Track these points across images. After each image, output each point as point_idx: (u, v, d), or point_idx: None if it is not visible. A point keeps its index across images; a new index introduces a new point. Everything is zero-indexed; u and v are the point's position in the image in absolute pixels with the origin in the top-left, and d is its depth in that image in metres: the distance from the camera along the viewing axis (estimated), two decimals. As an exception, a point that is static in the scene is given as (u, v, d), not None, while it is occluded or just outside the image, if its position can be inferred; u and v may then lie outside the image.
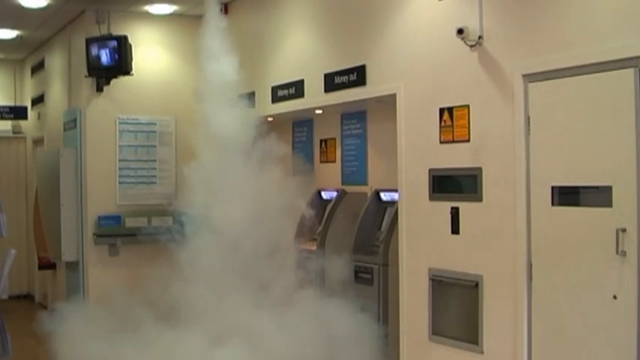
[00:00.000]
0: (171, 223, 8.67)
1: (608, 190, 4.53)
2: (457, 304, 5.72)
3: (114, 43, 8.88)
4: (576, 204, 4.85)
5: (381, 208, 7.24)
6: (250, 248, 7.13)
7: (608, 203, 4.53)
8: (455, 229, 5.72)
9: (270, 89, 8.16)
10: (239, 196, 7.21)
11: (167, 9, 9.25)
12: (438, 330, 5.91)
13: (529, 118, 5.08)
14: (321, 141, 8.46)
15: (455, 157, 5.73)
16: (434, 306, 5.95)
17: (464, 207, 5.66)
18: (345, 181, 8.15)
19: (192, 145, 7.50)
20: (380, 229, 7.15)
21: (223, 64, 7.47)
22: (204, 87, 7.53)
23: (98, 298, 8.59)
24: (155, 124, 9.39)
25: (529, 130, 5.08)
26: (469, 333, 5.58)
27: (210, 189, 7.34)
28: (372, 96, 6.72)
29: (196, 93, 7.65)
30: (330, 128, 8.29)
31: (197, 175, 7.34)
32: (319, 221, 7.82)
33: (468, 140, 5.60)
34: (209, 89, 7.50)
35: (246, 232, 7.11)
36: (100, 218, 9.11)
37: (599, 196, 4.62)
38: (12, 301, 10.10)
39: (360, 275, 6.93)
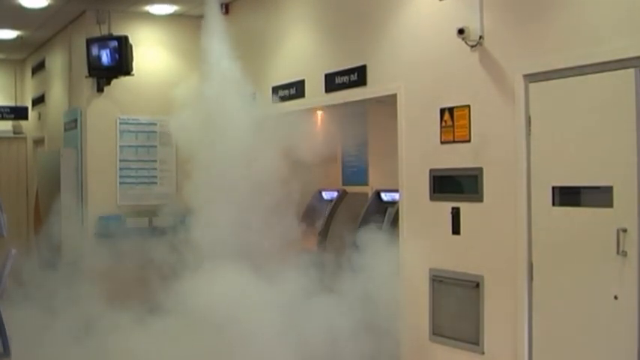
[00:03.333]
0: (172, 223, 8.67)
1: (608, 190, 4.53)
2: (458, 304, 5.71)
3: (114, 44, 8.89)
4: (577, 204, 4.85)
5: (382, 208, 7.23)
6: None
7: (609, 203, 4.53)
8: (456, 230, 5.72)
9: (270, 89, 8.16)
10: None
11: (167, 9, 9.25)
12: (439, 330, 5.91)
13: (530, 119, 5.08)
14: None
15: (455, 158, 5.73)
16: (434, 306, 5.95)
17: (464, 207, 5.66)
18: (345, 181, 8.16)
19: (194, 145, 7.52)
20: (381, 229, 7.14)
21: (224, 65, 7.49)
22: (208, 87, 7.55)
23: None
24: (155, 124, 9.37)
25: (530, 130, 5.08)
26: (470, 333, 5.58)
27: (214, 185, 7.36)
28: (372, 96, 6.71)
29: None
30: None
31: (203, 173, 7.36)
32: (320, 221, 7.83)
33: (469, 140, 5.60)
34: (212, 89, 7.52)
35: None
36: (100, 218, 9.11)
37: (599, 196, 4.62)
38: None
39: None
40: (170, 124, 8.02)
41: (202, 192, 7.40)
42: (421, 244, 6.08)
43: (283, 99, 7.95)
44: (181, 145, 8.06)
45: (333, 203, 7.84)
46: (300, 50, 7.82)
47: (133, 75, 9.05)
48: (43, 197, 10.24)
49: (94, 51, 8.91)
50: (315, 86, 7.45)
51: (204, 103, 7.59)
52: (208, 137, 7.44)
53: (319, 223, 7.85)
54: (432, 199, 5.98)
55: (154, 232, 8.82)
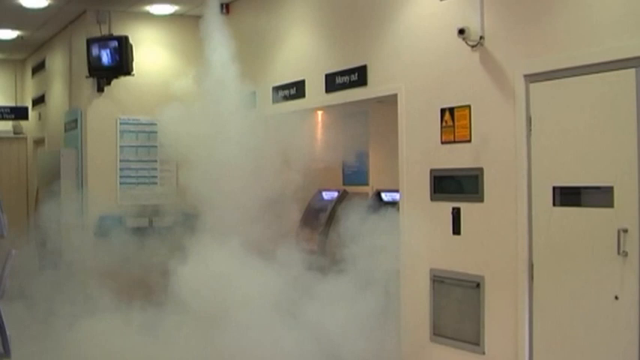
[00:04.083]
0: (173, 224, 8.67)
1: (609, 190, 4.53)
2: (458, 304, 5.71)
3: (115, 44, 8.89)
4: (578, 204, 4.85)
5: (383, 208, 7.22)
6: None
7: (610, 203, 4.52)
8: (456, 230, 5.72)
9: (270, 90, 8.16)
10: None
11: (168, 9, 9.24)
12: (439, 331, 5.91)
13: (530, 119, 5.07)
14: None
15: (456, 158, 5.73)
16: (435, 306, 5.94)
17: (465, 207, 5.65)
18: (346, 181, 8.15)
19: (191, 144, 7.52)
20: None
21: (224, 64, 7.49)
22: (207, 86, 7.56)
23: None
24: (156, 124, 9.35)
25: (530, 130, 5.08)
26: (470, 334, 5.58)
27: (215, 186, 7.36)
28: (373, 96, 6.71)
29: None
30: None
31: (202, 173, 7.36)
32: (321, 221, 7.82)
33: (469, 140, 5.60)
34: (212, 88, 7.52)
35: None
36: (101, 218, 9.11)
37: (600, 196, 4.62)
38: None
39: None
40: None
41: (199, 192, 7.40)
42: (421, 244, 6.07)
43: (283, 99, 7.95)
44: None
45: (333, 203, 7.83)
46: (300, 50, 7.81)
47: (133, 75, 9.05)
48: (43, 197, 10.23)
49: (94, 51, 8.91)
50: (315, 86, 7.45)
51: (200, 102, 7.60)
52: (200, 136, 7.45)
53: (320, 223, 7.84)
54: (432, 199, 5.98)
55: (154, 232, 8.82)
